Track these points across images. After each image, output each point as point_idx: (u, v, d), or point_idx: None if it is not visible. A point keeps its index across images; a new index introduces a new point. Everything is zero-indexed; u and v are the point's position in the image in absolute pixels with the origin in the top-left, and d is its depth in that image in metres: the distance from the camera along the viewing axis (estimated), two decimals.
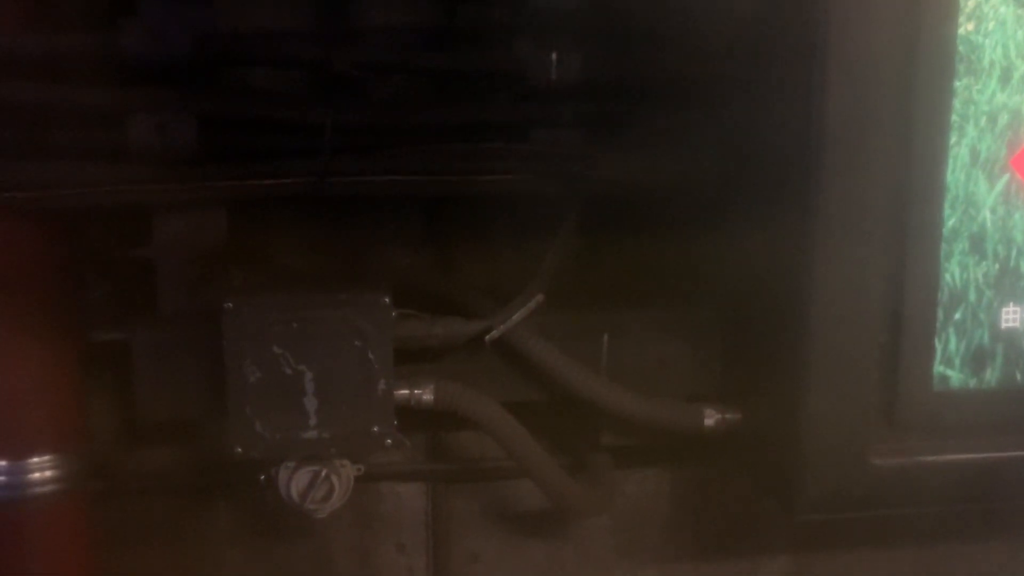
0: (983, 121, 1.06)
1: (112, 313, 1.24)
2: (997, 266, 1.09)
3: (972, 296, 1.09)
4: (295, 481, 1.15)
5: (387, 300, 1.10)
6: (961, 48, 1.03)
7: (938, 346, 1.09)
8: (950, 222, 1.07)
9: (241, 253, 1.23)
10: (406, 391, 1.16)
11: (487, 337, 1.16)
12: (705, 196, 1.22)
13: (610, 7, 1.21)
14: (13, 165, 1.09)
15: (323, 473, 1.15)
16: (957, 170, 1.06)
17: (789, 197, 1.08)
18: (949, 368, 1.10)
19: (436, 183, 1.19)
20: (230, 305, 1.08)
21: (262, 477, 1.17)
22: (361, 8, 1.16)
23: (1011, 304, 1.10)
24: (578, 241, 1.24)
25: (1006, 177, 1.08)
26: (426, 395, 1.17)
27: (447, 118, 1.19)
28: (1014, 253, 1.10)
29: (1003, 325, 1.11)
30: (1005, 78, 1.06)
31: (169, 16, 1.07)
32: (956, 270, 1.08)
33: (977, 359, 1.11)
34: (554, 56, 1.18)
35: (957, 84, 1.04)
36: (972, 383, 1.11)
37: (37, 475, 1.19)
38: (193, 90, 1.11)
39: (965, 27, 1.03)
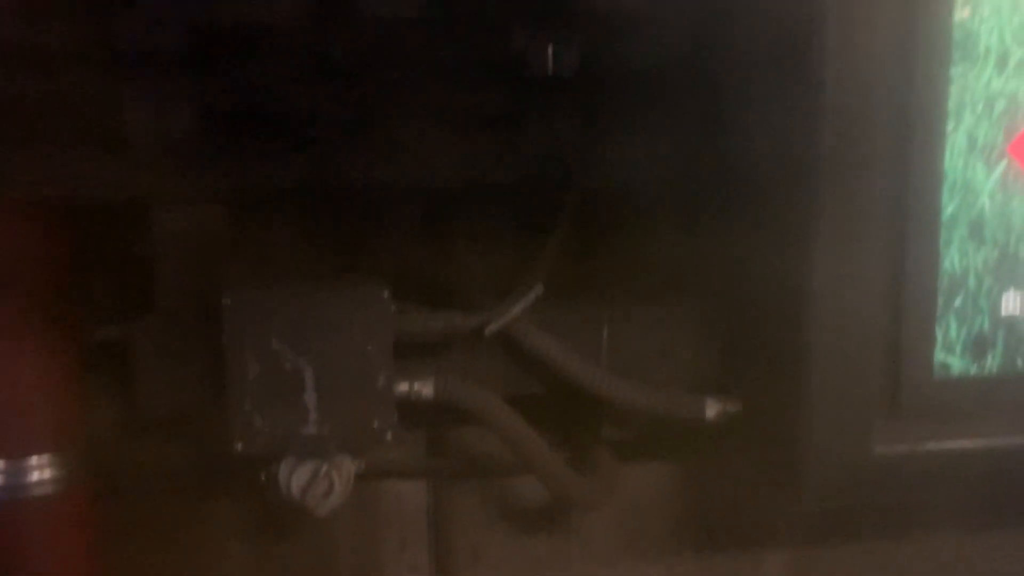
0: (980, 107, 1.06)
1: (110, 309, 1.24)
2: (996, 252, 1.09)
3: (972, 282, 1.09)
4: (295, 477, 1.14)
5: (386, 293, 1.10)
6: (957, 34, 1.03)
7: (939, 333, 1.09)
8: (949, 208, 1.07)
9: (240, 247, 1.22)
10: (406, 385, 1.16)
11: (487, 329, 1.16)
12: (704, 186, 1.22)
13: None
14: (7, 158, 1.09)
15: (323, 469, 1.14)
16: (955, 156, 1.06)
17: (788, 186, 1.08)
18: (950, 355, 1.10)
19: (433, 174, 1.19)
20: (229, 300, 1.08)
21: (262, 475, 1.17)
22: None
23: (1011, 290, 1.10)
24: (577, 232, 1.24)
25: (1004, 163, 1.08)
26: (426, 389, 1.17)
27: (444, 109, 1.19)
28: (1013, 239, 1.10)
29: (1003, 312, 1.10)
30: (1001, 64, 1.06)
31: (166, 7, 1.07)
32: (956, 256, 1.08)
33: (978, 346, 1.10)
34: (551, 49, 1.18)
35: (953, 71, 1.04)
36: (973, 370, 1.11)
37: (36, 475, 1.18)
38: (190, 81, 1.11)
39: (961, 13, 1.03)
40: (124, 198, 1.14)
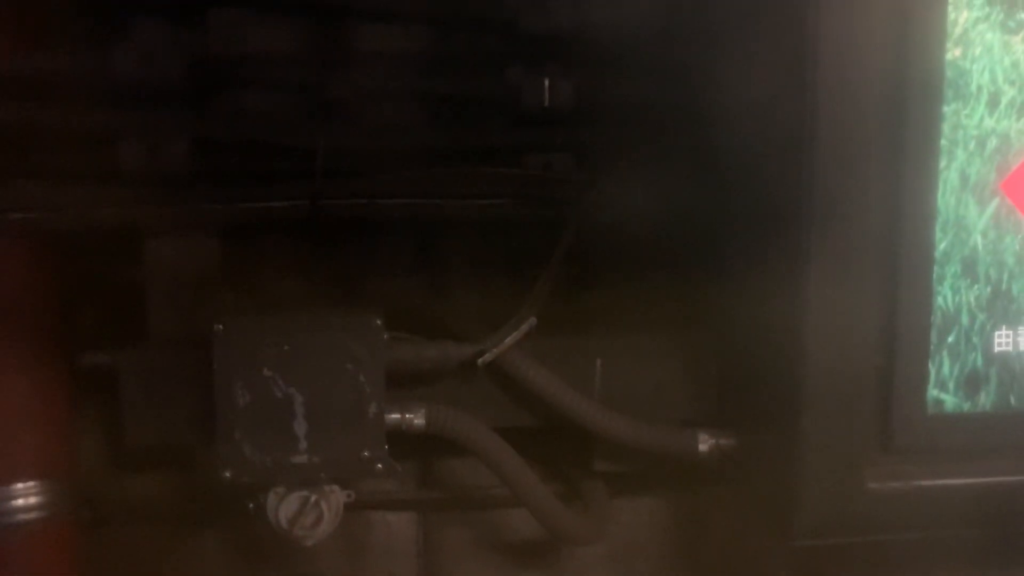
0: (972, 145, 1.07)
1: (100, 337, 1.23)
2: (989, 289, 1.09)
3: (965, 319, 1.09)
4: (284, 507, 1.14)
5: (379, 323, 1.10)
6: (949, 73, 1.04)
7: (932, 370, 1.09)
8: (942, 245, 1.07)
9: (232, 276, 1.22)
10: (397, 415, 1.15)
11: (480, 360, 1.15)
12: (697, 222, 1.23)
13: (603, 34, 1.22)
14: (2, 187, 1.09)
15: (312, 499, 1.13)
16: (947, 194, 1.07)
17: (781, 223, 1.09)
18: (943, 392, 1.10)
19: (428, 207, 1.20)
20: (220, 327, 1.07)
21: (251, 505, 1.16)
22: (354, 33, 1.17)
23: (1003, 327, 1.10)
24: (571, 265, 1.24)
25: (996, 201, 1.08)
26: (417, 419, 1.16)
27: (439, 143, 1.20)
28: (1006, 276, 1.10)
29: (996, 348, 1.10)
30: (993, 103, 1.06)
31: (161, 38, 1.08)
32: (948, 293, 1.08)
33: (971, 382, 1.10)
34: (546, 82, 1.19)
35: (945, 109, 1.05)
36: (966, 407, 1.10)
37: (22, 501, 1.18)
38: (185, 113, 1.12)
39: (952, 52, 1.04)
40: (116, 227, 1.14)
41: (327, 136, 1.15)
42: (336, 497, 1.15)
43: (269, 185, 1.16)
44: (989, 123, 1.07)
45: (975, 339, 1.09)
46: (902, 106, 1.03)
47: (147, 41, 1.08)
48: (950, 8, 1.03)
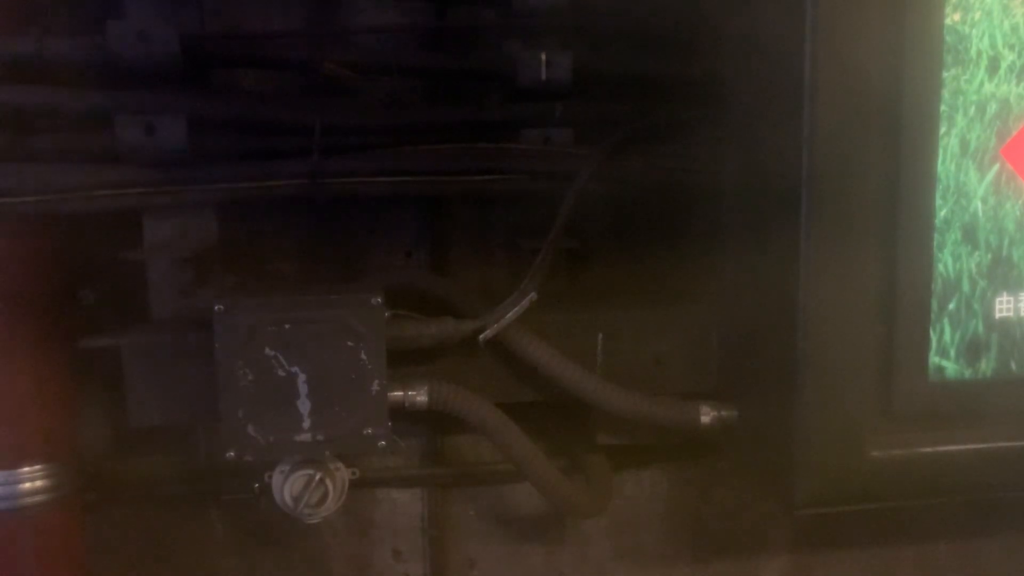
0: (972, 111, 1.06)
1: (102, 319, 1.24)
2: (990, 256, 1.09)
3: (966, 286, 1.09)
4: (289, 485, 1.14)
5: (379, 300, 1.10)
6: (948, 38, 1.04)
7: (933, 337, 1.09)
8: (942, 212, 1.07)
9: (232, 255, 1.22)
10: (400, 392, 1.15)
11: (481, 337, 1.16)
12: (697, 193, 1.22)
13: (598, 8, 1.21)
14: (2, 171, 1.09)
15: (317, 477, 1.14)
16: (948, 160, 1.06)
17: (781, 192, 1.08)
18: (944, 359, 1.10)
19: (427, 183, 1.19)
20: (221, 307, 1.07)
21: (256, 484, 1.16)
22: (351, 9, 1.16)
23: (1004, 293, 1.10)
24: (571, 239, 1.24)
25: (996, 167, 1.08)
26: (420, 396, 1.16)
27: (438, 118, 1.19)
28: (1006, 242, 1.09)
29: (997, 315, 1.10)
30: (992, 68, 1.06)
31: (158, 18, 1.07)
32: (949, 260, 1.08)
33: (972, 349, 1.10)
34: (544, 56, 1.18)
35: (945, 74, 1.04)
36: (967, 373, 1.10)
37: (28, 485, 1.18)
38: (183, 92, 1.11)
39: (951, 17, 1.04)
40: (116, 208, 1.14)
41: (325, 113, 1.14)
42: (341, 474, 1.16)
43: (269, 163, 1.15)
44: (989, 88, 1.06)
45: (976, 306, 1.09)
46: (901, 72, 1.02)
47: (143, 20, 1.06)
48: None
